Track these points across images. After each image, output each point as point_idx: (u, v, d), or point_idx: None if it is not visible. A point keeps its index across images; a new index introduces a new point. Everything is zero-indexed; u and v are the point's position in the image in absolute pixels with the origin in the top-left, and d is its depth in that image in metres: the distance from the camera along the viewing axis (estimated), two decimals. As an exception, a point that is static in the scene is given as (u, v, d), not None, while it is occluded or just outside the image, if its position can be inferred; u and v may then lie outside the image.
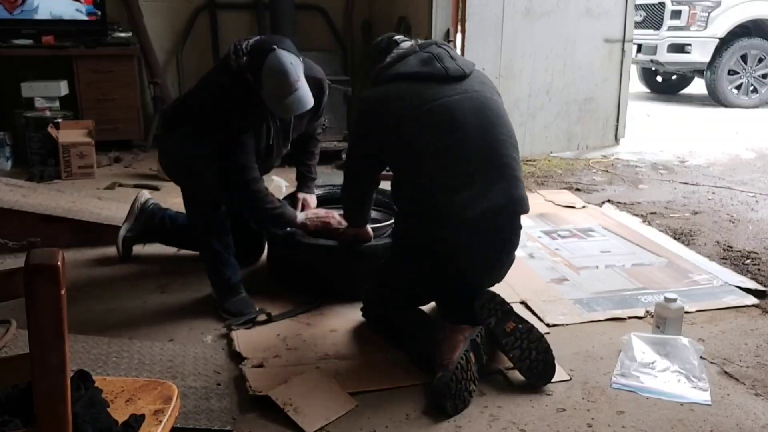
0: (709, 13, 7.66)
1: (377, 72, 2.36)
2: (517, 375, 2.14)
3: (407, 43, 2.39)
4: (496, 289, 2.32)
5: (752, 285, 2.85)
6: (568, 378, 2.15)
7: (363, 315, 2.47)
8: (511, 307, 2.20)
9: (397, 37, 2.43)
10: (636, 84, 8.59)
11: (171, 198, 4.08)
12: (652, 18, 8.04)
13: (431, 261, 2.24)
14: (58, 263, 0.93)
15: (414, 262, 2.29)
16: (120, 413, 1.27)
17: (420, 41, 2.41)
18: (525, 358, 2.09)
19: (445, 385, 1.95)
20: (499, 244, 2.25)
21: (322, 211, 2.78)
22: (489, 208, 2.14)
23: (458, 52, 5.02)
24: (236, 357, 2.24)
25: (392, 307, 2.35)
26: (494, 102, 2.30)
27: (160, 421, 1.27)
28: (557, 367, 2.14)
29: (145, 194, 3.11)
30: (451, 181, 2.17)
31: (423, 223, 2.23)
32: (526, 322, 2.16)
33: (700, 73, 8.05)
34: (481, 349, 2.09)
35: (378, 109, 2.29)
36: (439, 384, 1.97)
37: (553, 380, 2.11)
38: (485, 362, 2.12)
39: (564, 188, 4.42)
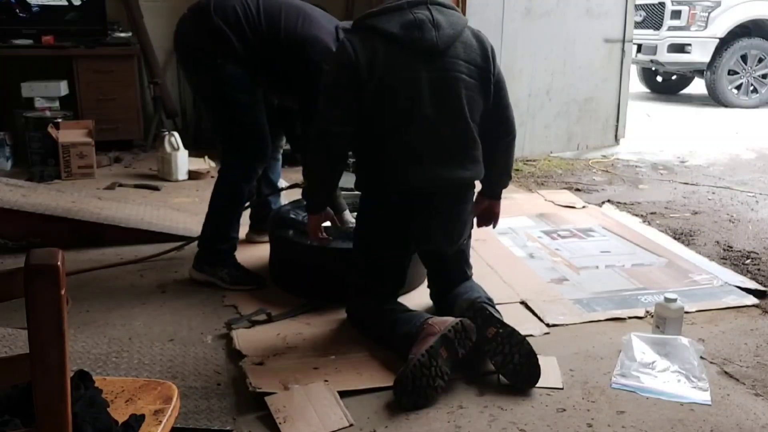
0: (709, 13, 7.66)
1: (364, 15, 2.30)
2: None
3: None
4: (496, 288, 2.31)
5: (752, 285, 2.85)
6: (561, 387, 2.10)
7: (347, 315, 2.48)
8: (491, 312, 2.16)
9: None
10: (636, 84, 8.59)
11: (171, 198, 4.09)
12: (652, 18, 8.04)
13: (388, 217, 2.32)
14: (58, 263, 0.93)
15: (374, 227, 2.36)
16: (120, 413, 1.26)
17: None
18: (508, 362, 2.06)
19: (399, 382, 1.98)
20: (436, 216, 2.31)
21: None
22: (426, 183, 2.24)
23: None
24: (236, 356, 2.24)
25: (372, 296, 2.37)
26: (461, 82, 2.24)
27: (160, 421, 1.27)
28: (554, 373, 2.13)
29: None
30: (401, 154, 2.24)
31: (377, 185, 2.31)
32: (507, 325, 2.12)
33: (700, 73, 8.05)
34: (456, 344, 2.04)
35: (353, 58, 2.19)
36: (396, 380, 1.99)
37: (541, 385, 2.07)
38: (461, 357, 2.06)
39: (564, 188, 4.43)
